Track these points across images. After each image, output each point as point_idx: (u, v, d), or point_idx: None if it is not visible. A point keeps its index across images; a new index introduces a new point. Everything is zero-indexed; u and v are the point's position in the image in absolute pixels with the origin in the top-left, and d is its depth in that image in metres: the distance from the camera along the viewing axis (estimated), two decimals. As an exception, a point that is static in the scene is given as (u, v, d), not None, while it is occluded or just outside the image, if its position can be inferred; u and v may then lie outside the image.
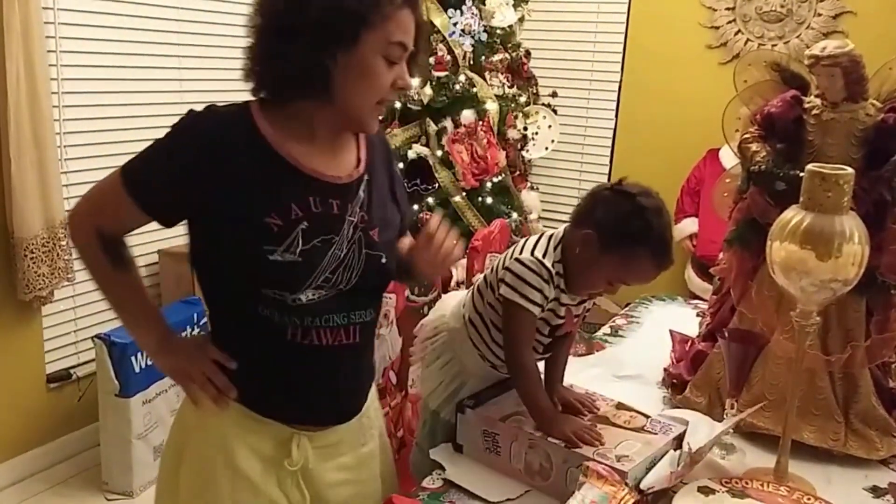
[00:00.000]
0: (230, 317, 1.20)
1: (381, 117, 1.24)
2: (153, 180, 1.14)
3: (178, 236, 3.12)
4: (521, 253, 1.38)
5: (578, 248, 1.36)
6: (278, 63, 1.10)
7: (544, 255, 1.37)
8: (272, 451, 1.20)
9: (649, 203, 1.33)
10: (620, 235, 1.31)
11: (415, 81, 3.09)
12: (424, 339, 1.60)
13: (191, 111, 1.16)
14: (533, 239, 1.42)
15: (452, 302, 1.59)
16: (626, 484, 1.16)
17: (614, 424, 1.34)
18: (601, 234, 1.33)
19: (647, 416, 1.37)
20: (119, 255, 1.23)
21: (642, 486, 1.19)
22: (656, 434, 1.31)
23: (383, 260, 1.22)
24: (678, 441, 1.31)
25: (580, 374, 1.61)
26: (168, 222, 1.21)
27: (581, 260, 1.36)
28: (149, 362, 2.64)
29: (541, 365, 1.46)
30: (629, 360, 1.82)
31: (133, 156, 1.16)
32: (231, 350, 1.19)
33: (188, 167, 1.11)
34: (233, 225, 1.11)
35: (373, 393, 1.36)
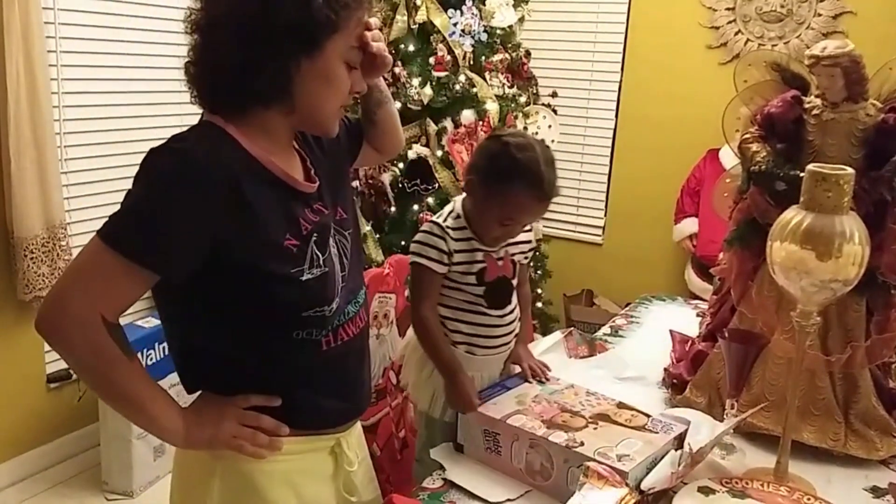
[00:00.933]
0: (258, 356, 1.12)
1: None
2: (165, 237, 1.00)
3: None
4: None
5: (468, 197, 1.51)
6: (243, 74, 1.03)
7: (439, 217, 1.53)
8: (321, 466, 1.22)
9: (516, 141, 1.46)
10: (493, 175, 1.44)
11: (415, 81, 3.11)
12: (405, 357, 1.65)
13: (160, 151, 1.03)
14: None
15: None
16: (627, 484, 1.16)
17: (615, 423, 1.34)
18: (479, 178, 1.47)
19: (647, 416, 1.37)
20: (126, 341, 1.05)
21: (643, 486, 1.19)
22: (657, 433, 1.31)
23: (351, 232, 1.24)
24: (679, 441, 1.31)
25: (583, 374, 1.61)
26: (180, 279, 1.05)
27: (473, 206, 1.50)
28: (149, 362, 2.65)
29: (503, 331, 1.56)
30: (632, 361, 1.82)
31: (111, 222, 1.00)
32: (264, 387, 1.13)
33: (201, 208, 1.00)
34: (259, 255, 1.05)
35: None
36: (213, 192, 1.01)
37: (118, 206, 1.01)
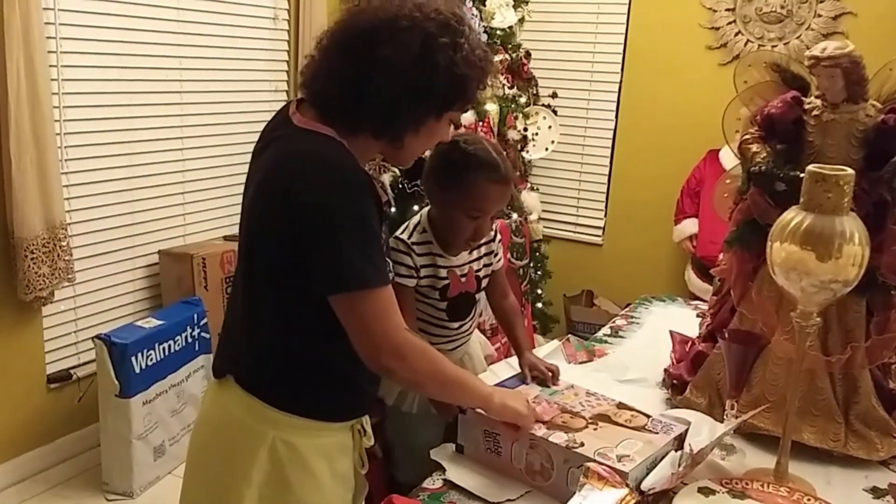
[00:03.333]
0: (351, 356, 1.18)
1: None
2: (382, 255, 1.18)
3: (178, 237, 3.14)
4: None
5: (430, 205, 1.54)
6: (393, 115, 1.14)
7: (402, 232, 1.54)
8: (350, 440, 1.30)
9: (464, 137, 1.51)
10: (448, 170, 1.47)
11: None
12: None
13: (331, 184, 1.11)
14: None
15: None
16: (627, 485, 1.16)
17: (615, 423, 1.34)
18: (436, 181, 1.50)
19: (647, 416, 1.37)
20: (419, 337, 1.26)
21: (643, 486, 1.19)
22: (657, 434, 1.31)
23: None
24: (679, 441, 1.31)
25: (583, 379, 1.61)
26: None
27: (437, 213, 1.52)
28: (149, 363, 2.65)
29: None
30: (632, 364, 1.82)
31: (351, 268, 1.12)
32: (341, 382, 1.25)
33: (377, 217, 1.18)
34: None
35: None
36: (374, 201, 1.17)
37: (336, 255, 1.12)
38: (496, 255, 1.64)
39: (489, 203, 1.49)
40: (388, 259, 1.23)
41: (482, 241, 1.58)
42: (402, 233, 1.55)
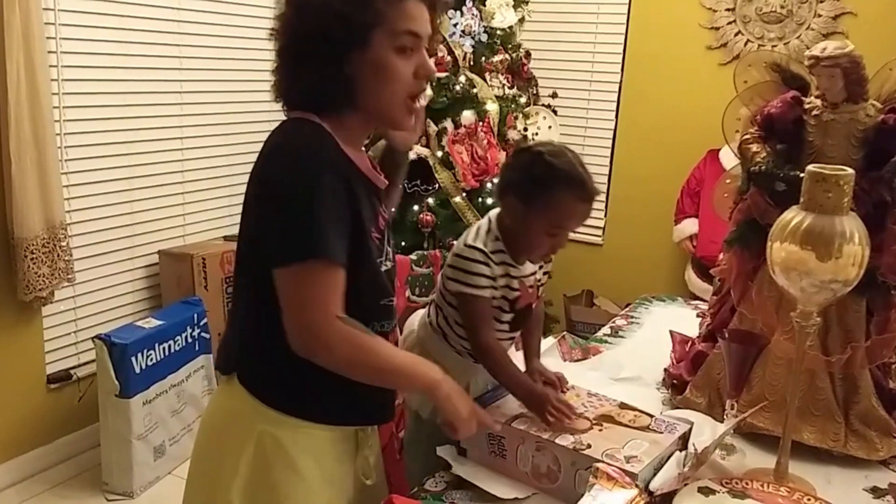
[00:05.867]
0: None
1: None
2: (337, 236, 1.10)
3: (178, 237, 3.14)
4: (458, 247, 1.47)
5: (508, 217, 1.44)
6: (303, 79, 1.12)
7: (476, 240, 1.44)
8: (351, 446, 1.28)
9: (546, 149, 1.42)
10: (532, 185, 1.38)
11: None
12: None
13: (298, 158, 1.10)
14: (469, 230, 1.50)
15: (416, 318, 1.65)
16: (637, 485, 1.15)
17: (619, 423, 1.34)
18: (517, 194, 1.41)
19: (651, 416, 1.37)
20: (357, 324, 1.14)
21: (651, 487, 1.19)
22: (662, 433, 1.31)
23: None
24: (683, 441, 1.31)
25: (578, 377, 1.61)
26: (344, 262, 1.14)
27: (515, 226, 1.43)
28: (149, 363, 2.65)
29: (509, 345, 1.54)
30: (626, 362, 1.82)
31: (302, 238, 1.08)
32: (335, 381, 1.16)
33: (342, 198, 1.10)
34: (359, 244, 1.13)
35: None
36: (341, 184, 1.10)
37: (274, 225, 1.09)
38: (550, 262, 1.60)
39: (572, 221, 1.42)
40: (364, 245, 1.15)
41: None
42: (474, 240, 1.44)
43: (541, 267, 1.55)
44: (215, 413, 1.30)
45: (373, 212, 1.18)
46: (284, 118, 1.19)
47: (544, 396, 1.35)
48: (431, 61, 1.17)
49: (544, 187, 1.37)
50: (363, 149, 1.26)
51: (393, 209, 1.39)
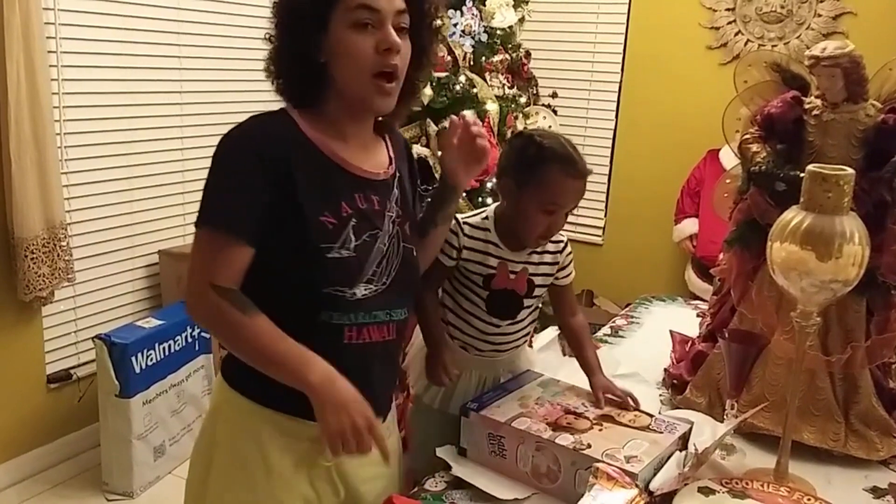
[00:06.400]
0: (289, 333, 1.15)
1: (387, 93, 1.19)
2: (239, 208, 1.12)
3: (178, 237, 3.14)
4: None
5: (503, 199, 1.51)
6: (282, 72, 1.17)
7: (465, 217, 1.54)
8: (307, 450, 1.22)
9: (539, 132, 1.51)
10: (523, 166, 1.45)
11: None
12: (411, 356, 1.65)
13: (227, 134, 1.15)
14: None
15: None
16: (637, 485, 1.15)
17: (619, 423, 1.34)
18: (511, 175, 1.47)
19: (651, 416, 1.37)
20: (242, 300, 1.13)
21: (651, 487, 1.19)
22: (662, 433, 1.31)
23: (415, 253, 1.28)
24: (683, 441, 1.31)
25: (578, 373, 1.61)
26: (260, 246, 1.15)
27: (510, 208, 1.49)
28: (149, 363, 2.65)
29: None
30: (623, 358, 1.82)
31: (201, 204, 1.15)
32: None
33: (260, 174, 1.12)
34: (292, 226, 1.14)
35: None
36: (262, 163, 1.12)
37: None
38: (563, 268, 1.58)
39: (564, 197, 1.46)
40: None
41: (550, 248, 1.55)
42: (464, 217, 1.54)
43: (541, 263, 1.54)
44: (208, 410, 1.33)
45: (328, 196, 1.16)
46: None
47: (441, 362, 1.46)
48: (395, 35, 1.14)
49: (535, 166, 1.43)
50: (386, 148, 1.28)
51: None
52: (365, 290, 1.19)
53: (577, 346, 1.58)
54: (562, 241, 1.58)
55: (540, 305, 1.61)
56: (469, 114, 1.33)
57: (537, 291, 1.56)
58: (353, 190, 1.19)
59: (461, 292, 1.53)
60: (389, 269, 1.23)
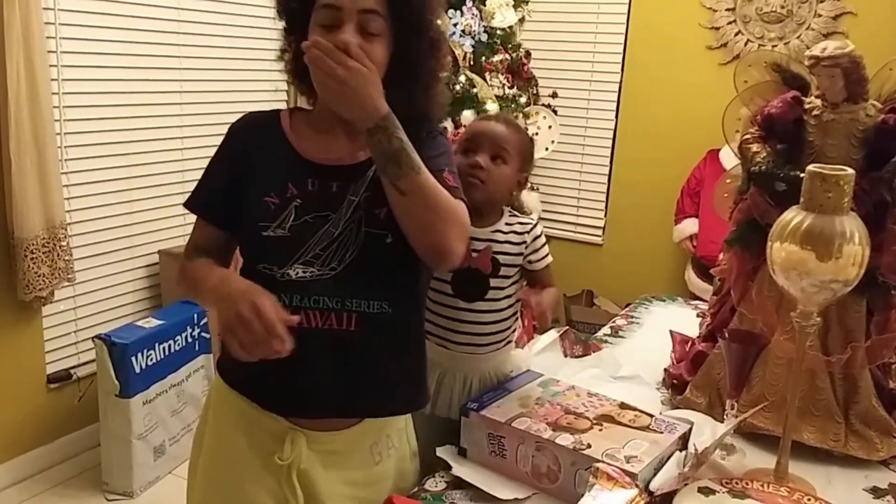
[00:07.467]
0: None
1: None
2: (202, 190, 1.29)
3: (178, 237, 3.13)
4: None
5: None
6: (285, 65, 1.27)
7: None
8: (268, 445, 1.22)
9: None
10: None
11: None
12: None
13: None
14: None
15: None
16: (637, 485, 1.15)
17: (619, 423, 1.34)
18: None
19: (651, 416, 1.37)
20: (196, 259, 1.27)
21: (651, 487, 1.19)
22: (662, 433, 1.31)
23: (388, 239, 1.18)
24: (683, 441, 1.31)
25: (578, 374, 1.61)
26: (227, 225, 1.26)
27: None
28: (149, 363, 2.65)
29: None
30: (626, 361, 1.82)
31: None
32: None
33: (224, 158, 1.27)
34: (245, 208, 1.21)
35: (405, 419, 1.36)
36: (233, 143, 1.26)
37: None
38: (535, 251, 1.56)
39: (480, 136, 1.51)
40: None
41: (517, 227, 1.53)
42: None
43: (505, 242, 1.53)
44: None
45: (278, 178, 1.20)
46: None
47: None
48: (347, 35, 1.10)
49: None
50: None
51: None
52: (303, 272, 1.15)
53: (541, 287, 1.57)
54: (529, 223, 1.57)
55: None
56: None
57: (504, 271, 1.52)
58: (307, 175, 1.20)
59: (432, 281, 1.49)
60: (343, 254, 1.17)
